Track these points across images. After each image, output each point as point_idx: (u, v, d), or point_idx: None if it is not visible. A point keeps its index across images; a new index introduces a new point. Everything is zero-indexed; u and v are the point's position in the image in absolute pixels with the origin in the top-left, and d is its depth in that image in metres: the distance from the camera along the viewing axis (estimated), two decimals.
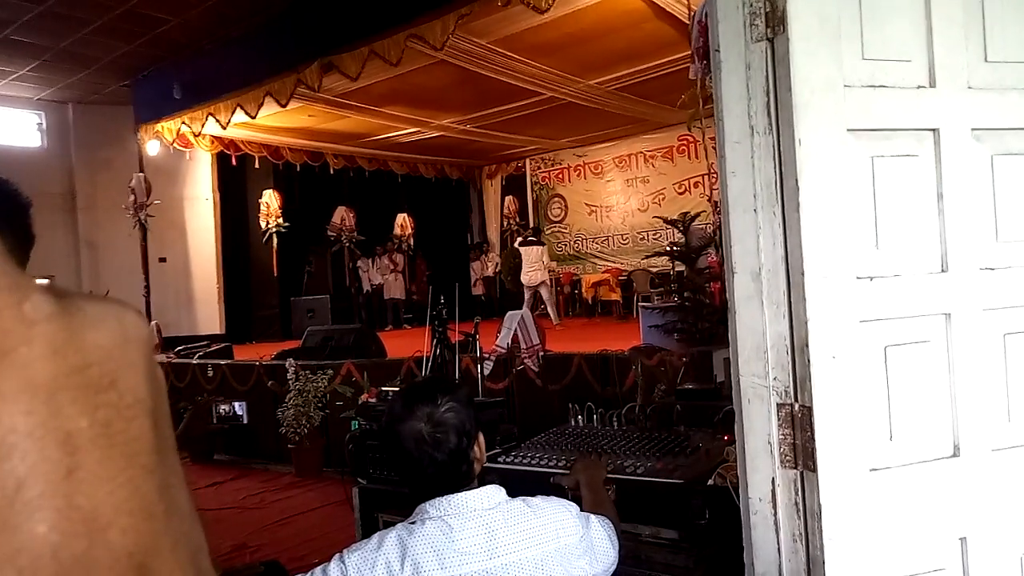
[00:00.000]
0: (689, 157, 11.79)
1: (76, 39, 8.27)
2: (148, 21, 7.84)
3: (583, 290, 12.27)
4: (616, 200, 13.15)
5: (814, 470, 1.36)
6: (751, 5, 1.42)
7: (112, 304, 0.22)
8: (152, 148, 9.87)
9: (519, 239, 11.82)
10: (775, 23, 1.40)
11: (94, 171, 10.85)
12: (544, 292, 10.49)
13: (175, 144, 9.64)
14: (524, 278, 10.39)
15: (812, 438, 1.36)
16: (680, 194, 12.11)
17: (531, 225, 13.41)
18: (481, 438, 1.46)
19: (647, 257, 9.98)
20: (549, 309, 10.41)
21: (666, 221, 6.73)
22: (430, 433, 1.36)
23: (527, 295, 10.46)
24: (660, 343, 5.33)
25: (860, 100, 1.41)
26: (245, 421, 6.38)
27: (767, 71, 1.42)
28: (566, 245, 13.74)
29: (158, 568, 0.20)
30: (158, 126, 9.45)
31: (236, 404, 6.40)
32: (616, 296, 11.57)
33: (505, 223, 14.44)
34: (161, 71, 9.09)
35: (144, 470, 0.20)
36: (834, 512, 1.36)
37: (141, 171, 9.91)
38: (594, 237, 13.44)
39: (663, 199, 12.34)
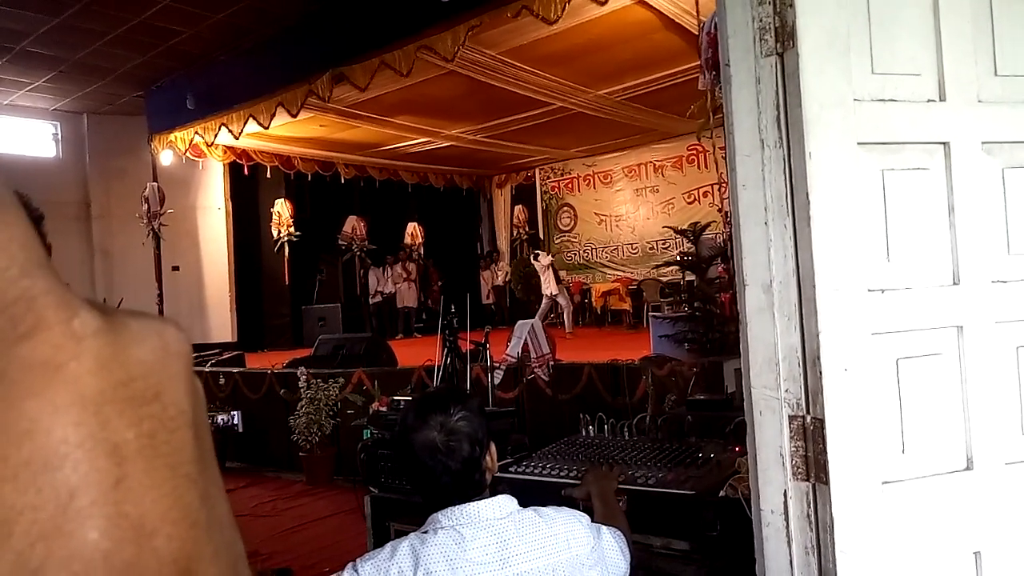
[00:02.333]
0: (699, 167, 11.79)
1: (91, 51, 8.38)
2: (162, 33, 7.94)
3: (593, 299, 12.28)
4: (625, 210, 13.15)
5: (826, 482, 1.37)
6: (761, 20, 1.43)
7: (153, 320, 0.23)
8: (165, 158, 9.98)
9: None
10: (785, 38, 1.41)
11: (108, 180, 10.97)
12: (561, 300, 10.67)
13: (188, 154, 9.74)
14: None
15: (824, 450, 1.36)
16: (689, 204, 12.10)
17: (534, 235, 13.61)
18: (493, 447, 1.47)
19: (657, 267, 10.00)
20: (566, 317, 10.59)
21: (676, 231, 6.74)
22: (443, 442, 1.37)
23: (544, 303, 10.64)
24: (670, 353, 5.32)
25: (870, 114, 1.42)
26: (240, 430, 6.42)
27: (777, 85, 1.43)
28: (575, 254, 13.74)
29: (201, 574, 0.21)
30: (171, 136, 9.55)
31: (234, 414, 6.44)
32: (626, 305, 11.57)
33: (515, 232, 14.48)
34: (174, 82, 9.20)
35: (187, 479, 0.21)
36: (847, 525, 1.36)
37: (155, 180, 10.01)
38: (604, 246, 13.44)
39: (672, 209, 12.33)
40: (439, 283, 12.93)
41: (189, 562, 0.20)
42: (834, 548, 1.36)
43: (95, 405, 0.19)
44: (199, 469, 0.21)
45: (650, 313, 9.06)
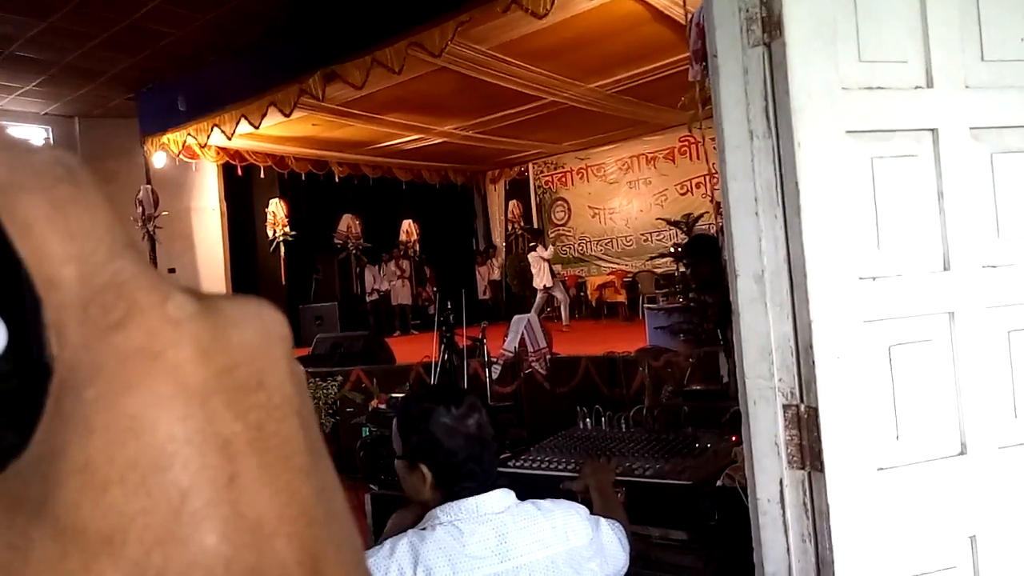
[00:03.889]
0: (691, 158, 11.79)
1: (80, 54, 8.34)
2: (151, 35, 7.90)
3: (588, 292, 12.30)
4: (619, 202, 13.16)
5: (821, 470, 1.37)
6: (747, 11, 1.43)
7: (250, 301, 0.20)
8: (158, 160, 9.94)
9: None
10: (771, 28, 1.41)
11: (101, 184, 10.92)
12: (558, 294, 10.68)
13: (181, 156, 9.71)
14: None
15: (819, 438, 1.37)
16: (682, 195, 12.11)
17: (536, 228, 13.60)
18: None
19: (651, 258, 10.01)
20: (563, 310, 10.61)
21: (669, 222, 6.74)
22: (488, 425, 1.43)
23: (539, 297, 10.64)
24: (666, 344, 5.33)
25: (858, 102, 1.42)
26: None
27: (765, 75, 1.43)
28: (570, 248, 13.75)
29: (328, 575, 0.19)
30: (164, 138, 9.51)
31: None
32: (621, 298, 11.59)
33: (510, 227, 14.48)
34: (165, 84, 9.16)
35: (301, 473, 0.19)
36: (842, 512, 1.37)
37: (148, 183, 9.99)
38: (598, 239, 13.45)
39: (666, 200, 12.34)
40: (433, 278, 12.93)
41: (314, 563, 0.18)
42: (830, 535, 1.37)
43: (200, 396, 0.17)
44: (311, 461, 0.20)
45: (645, 305, 9.08)
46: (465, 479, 1.39)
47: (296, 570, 0.18)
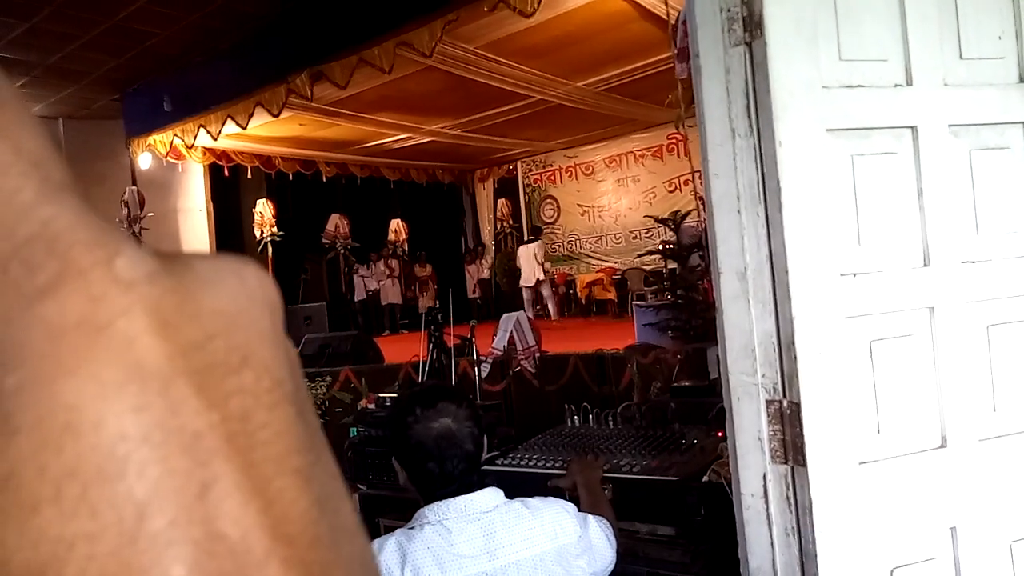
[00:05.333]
0: (679, 155, 11.81)
1: (64, 54, 8.26)
2: (135, 35, 7.84)
3: (578, 290, 12.33)
4: (608, 200, 13.18)
5: (804, 465, 1.39)
6: (728, 10, 1.45)
7: (227, 259, 0.16)
8: (144, 161, 9.88)
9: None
10: (752, 27, 1.42)
11: (87, 186, 10.20)
12: (545, 291, 10.72)
13: (167, 157, 9.65)
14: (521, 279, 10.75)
15: (801, 433, 1.39)
16: (671, 192, 12.14)
17: (529, 226, 13.63)
18: (484, 440, 1.50)
19: (640, 256, 10.03)
20: (551, 306, 10.65)
21: (657, 220, 6.77)
22: (458, 429, 1.41)
23: (527, 295, 10.66)
24: (655, 341, 5.35)
25: (838, 100, 1.44)
26: None
27: (746, 75, 1.44)
28: (559, 246, 13.76)
29: None
30: (150, 139, 9.45)
31: None
32: (611, 295, 11.62)
33: (499, 226, 14.48)
34: (151, 84, 9.09)
35: (298, 477, 0.15)
36: (825, 506, 1.39)
37: (134, 184, 9.91)
38: (587, 237, 13.47)
39: (654, 198, 12.37)
40: (435, 276, 12.88)
41: None
42: (813, 529, 1.38)
43: (161, 380, 0.14)
44: (312, 461, 0.15)
45: (634, 302, 9.10)
46: (427, 480, 1.40)
47: None
